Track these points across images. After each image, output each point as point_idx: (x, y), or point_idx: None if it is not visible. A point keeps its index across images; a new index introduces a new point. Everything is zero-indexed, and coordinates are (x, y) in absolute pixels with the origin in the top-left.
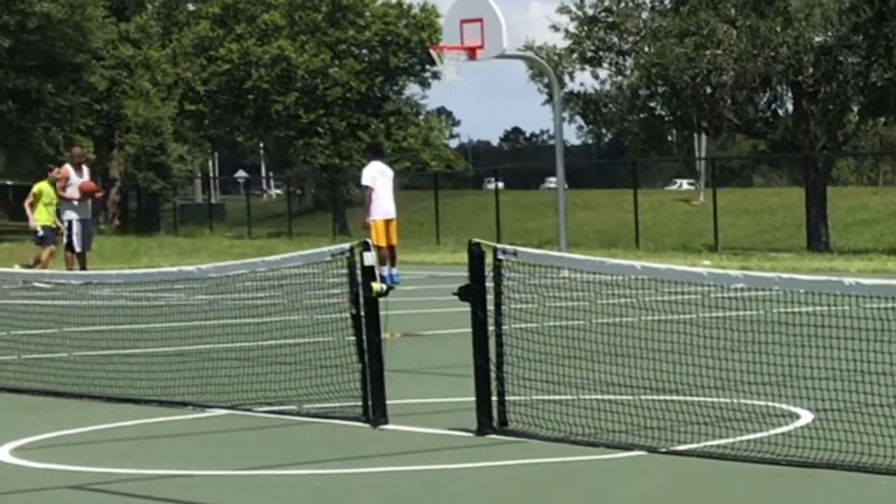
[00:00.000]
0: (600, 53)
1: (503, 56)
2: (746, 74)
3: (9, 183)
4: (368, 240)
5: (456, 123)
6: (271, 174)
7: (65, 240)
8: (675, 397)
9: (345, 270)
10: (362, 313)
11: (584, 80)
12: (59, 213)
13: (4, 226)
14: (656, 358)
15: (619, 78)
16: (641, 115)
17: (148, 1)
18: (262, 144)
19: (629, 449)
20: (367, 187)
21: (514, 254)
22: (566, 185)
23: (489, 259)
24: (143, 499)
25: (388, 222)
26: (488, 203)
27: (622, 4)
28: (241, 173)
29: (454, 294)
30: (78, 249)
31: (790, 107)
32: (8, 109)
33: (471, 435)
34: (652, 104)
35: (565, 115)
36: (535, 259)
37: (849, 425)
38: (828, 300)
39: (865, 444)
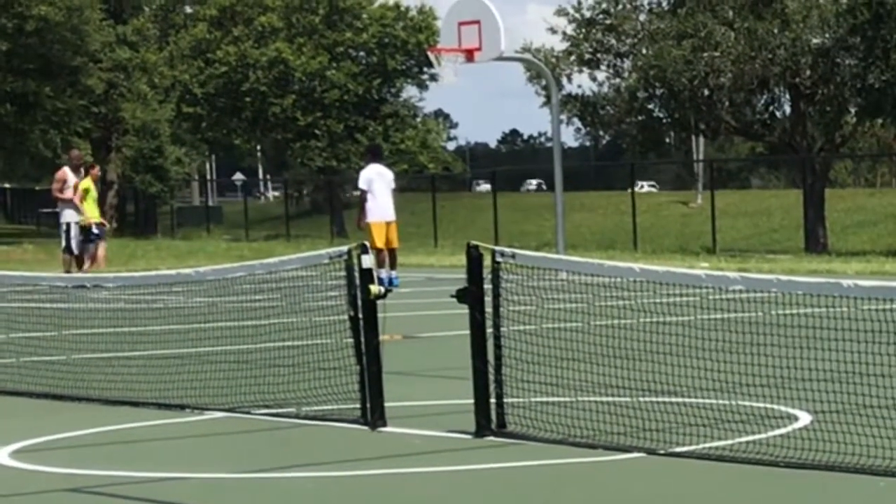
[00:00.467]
0: (598, 55)
1: (501, 58)
2: (744, 76)
3: (6, 186)
4: (366, 242)
5: (454, 126)
6: (269, 176)
7: (62, 242)
8: (673, 399)
9: (343, 273)
10: (360, 315)
11: (581, 82)
12: (57, 216)
13: (3, 228)
14: (655, 360)
15: (617, 80)
16: (639, 118)
17: (145, 4)
18: (259, 147)
19: (628, 451)
20: (361, 190)
21: (513, 256)
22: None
23: (487, 261)
24: (141, 501)
25: (387, 225)
26: (486, 205)
27: (620, 7)
28: (238, 176)
29: (452, 296)
30: (76, 252)
31: (788, 109)
32: (5, 112)
33: (469, 437)
34: (650, 106)
35: (563, 117)
36: (533, 261)
37: (847, 427)
38: (826, 302)
39: (864, 445)
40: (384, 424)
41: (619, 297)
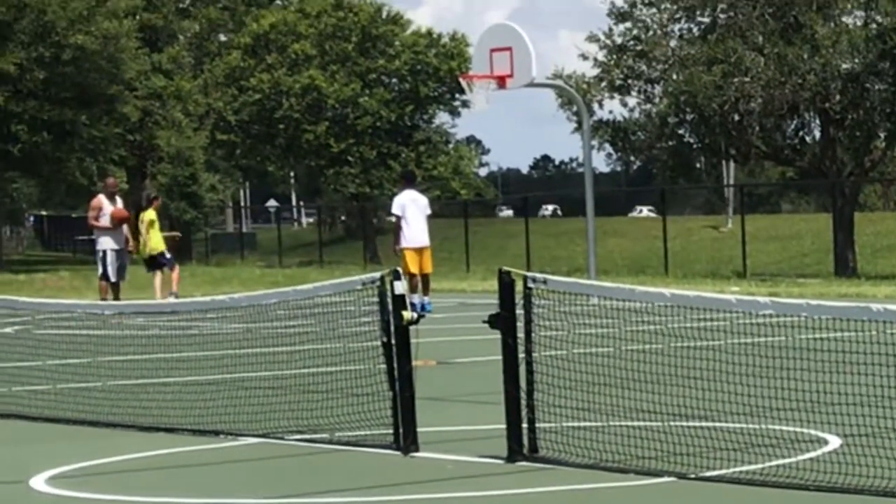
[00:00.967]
0: (629, 81)
1: (532, 84)
2: (774, 102)
3: (43, 213)
4: (399, 268)
5: (486, 152)
6: (302, 203)
7: (99, 269)
8: (704, 423)
9: (376, 299)
10: (393, 341)
11: (612, 108)
12: (94, 243)
13: (40, 256)
14: (685, 384)
15: (648, 106)
16: (670, 143)
17: (180, 32)
18: (292, 173)
19: (659, 475)
20: (396, 216)
21: (544, 282)
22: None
23: (519, 287)
24: None
25: (420, 250)
26: (518, 230)
27: (650, 33)
28: (272, 202)
29: (484, 322)
30: (113, 279)
31: (817, 133)
32: (43, 140)
33: (501, 462)
34: (680, 132)
35: (594, 142)
36: (565, 287)
37: (877, 451)
38: (855, 326)
39: (894, 469)
40: (417, 450)
41: (649, 322)
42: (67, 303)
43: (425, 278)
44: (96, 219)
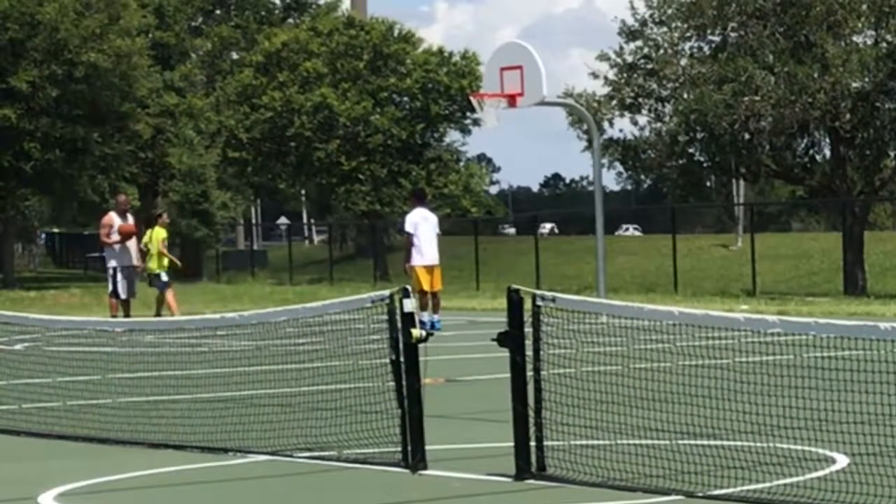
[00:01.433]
0: (639, 100)
1: (543, 103)
2: (784, 120)
3: (55, 230)
4: (408, 286)
5: (496, 170)
6: (313, 221)
7: (109, 287)
8: (711, 442)
9: (385, 316)
10: (402, 359)
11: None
12: (104, 260)
13: (51, 273)
14: (693, 403)
15: (658, 124)
16: (680, 161)
17: (192, 50)
18: (303, 191)
19: (667, 493)
20: (407, 234)
21: (553, 300)
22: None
23: (528, 305)
24: None
25: (431, 268)
26: (528, 248)
27: (661, 51)
28: (283, 220)
29: (493, 339)
30: (123, 297)
31: (828, 152)
32: (55, 158)
33: (509, 480)
34: (690, 150)
35: (604, 161)
36: (574, 305)
37: (885, 469)
38: (864, 344)
39: None
40: (425, 467)
41: (658, 341)
42: (78, 320)
43: (435, 296)
44: (107, 236)
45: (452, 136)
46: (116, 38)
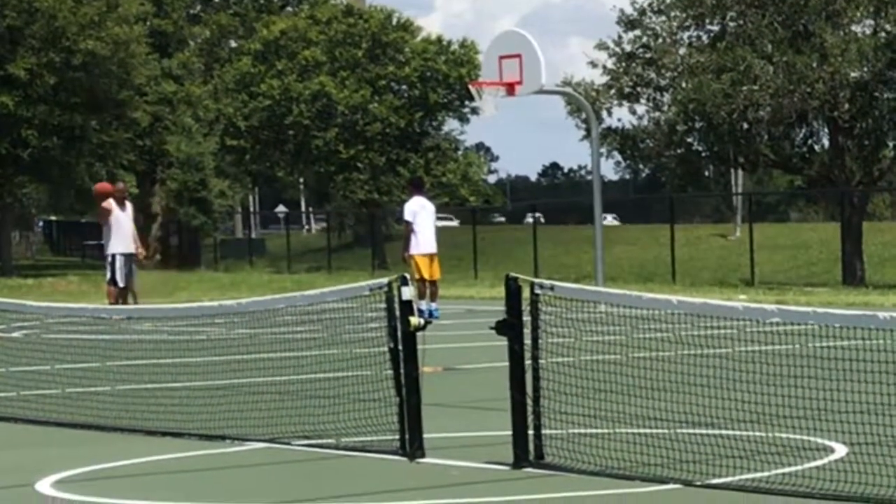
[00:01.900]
0: (638, 89)
1: (541, 92)
2: (783, 110)
3: (53, 218)
4: (406, 274)
5: (494, 159)
6: (311, 209)
7: (108, 274)
8: (710, 431)
9: (383, 305)
10: (400, 347)
11: (621, 115)
12: (103, 248)
13: (49, 260)
14: (692, 392)
15: (657, 114)
16: (678, 151)
17: (190, 38)
18: (302, 179)
19: (665, 482)
20: (406, 222)
21: (551, 288)
22: (606, 217)
23: (526, 293)
24: None
25: (430, 256)
26: (526, 238)
27: (660, 41)
28: (281, 208)
29: (491, 328)
30: (121, 284)
31: (826, 142)
32: (52, 145)
33: (507, 468)
34: (689, 140)
35: (603, 150)
36: (572, 294)
37: (883, 459)
38: (862, 334)
39: None
40: (423, 456)
41: (657, 329)
42: (76, 307)
43: (433, 285)
44: (106, 221)
45: (451, 124)
46: (114, 26)
